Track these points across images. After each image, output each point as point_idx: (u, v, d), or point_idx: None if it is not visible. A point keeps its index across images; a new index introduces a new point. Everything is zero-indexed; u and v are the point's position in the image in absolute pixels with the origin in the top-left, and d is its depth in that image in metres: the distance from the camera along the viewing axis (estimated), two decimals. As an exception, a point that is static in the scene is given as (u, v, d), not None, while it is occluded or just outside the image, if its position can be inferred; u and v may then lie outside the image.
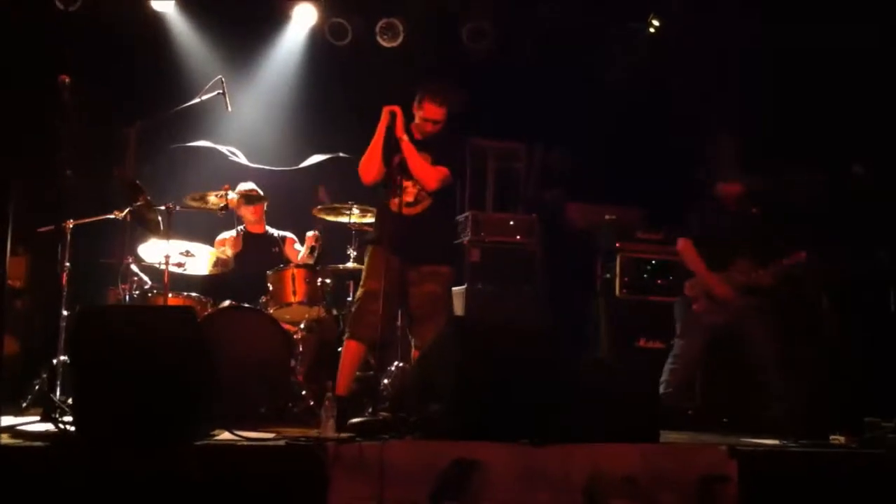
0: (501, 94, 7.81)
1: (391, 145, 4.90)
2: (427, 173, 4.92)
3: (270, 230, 6.60)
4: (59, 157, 4.77)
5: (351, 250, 6.22)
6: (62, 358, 5.05)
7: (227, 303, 5.69)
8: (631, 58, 8.01)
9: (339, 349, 5.31)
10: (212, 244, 6.23)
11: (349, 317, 5.24)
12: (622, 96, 7.87)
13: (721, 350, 5.78)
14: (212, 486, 3.62)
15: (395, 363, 6.09)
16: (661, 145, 7.56)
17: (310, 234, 6.28)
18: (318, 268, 5.98)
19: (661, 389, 5.58)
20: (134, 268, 5.67)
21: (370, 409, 4.73)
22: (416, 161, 4.90)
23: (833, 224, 6.43)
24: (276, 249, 6.49)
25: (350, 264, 6.19)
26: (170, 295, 5.56)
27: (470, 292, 7.06)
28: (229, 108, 5.87)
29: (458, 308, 7.09)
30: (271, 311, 5.77)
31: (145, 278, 5.74)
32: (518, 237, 7.35)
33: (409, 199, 4.93)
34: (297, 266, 5.94)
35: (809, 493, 4.17)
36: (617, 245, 7.09)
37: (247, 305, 5.69)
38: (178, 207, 5.60)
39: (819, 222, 6.37)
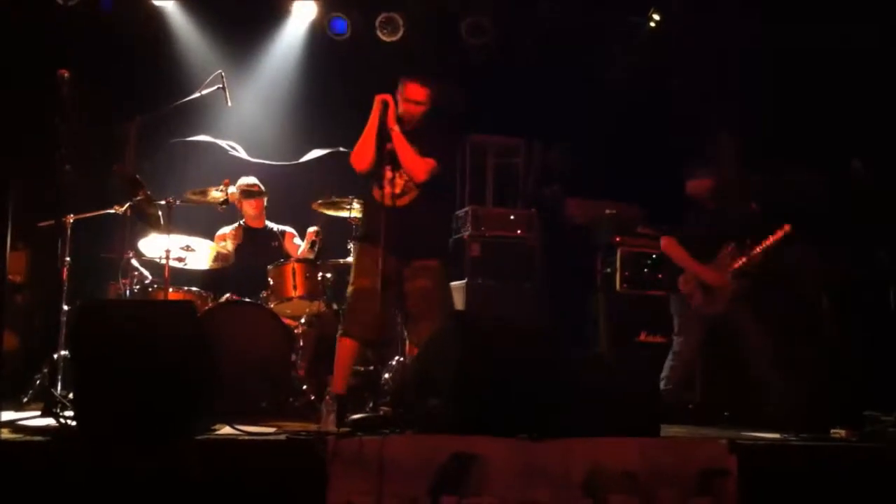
0: (501, 90, 7.81)
1: (382, 135, 4.89)
2: (416, 164, 4.89)
3: (270, 225, 6.61)
4: (58, 152, 4.77)
5: (351, 245, 6.22)
6: (63, 353, 5.06)
7: (227, 297, 5.70)
8: (631, 55, 8.00)
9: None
10: (212, 239, 6.23)
11: (343, 314, 5.20)
12: (622, 93, 7.85)
13: (720, 344, 5.78)
14: (212, 481, 3.62)
15: (396, 358, 6.10)
16: (661, 143, 7.54)
17: (311, 229, 6.28)
18: (318, 262, 5.99)
19: (662, 386, 5.58)
20: (134, 262, 5.67)
21: (371, 404, 4.72)
22: (406, 151, 4.86)
23: (833, 223, 6.43)
24: (276, 244, 6.49)
25: (350, 259, 6.19)
26: (170, 289, 5.57)
27: (470, 287, 7.06)
28: (229, 103, 5.88)
29: (459, 302, 7.10)
30: (272, 305, 5.78)
31: (146, 273, 5.75)
32: (518, 232, 7.35)
33: (397, 190, 4.86)
34: (298, 261, 5.95)
35: (810, 488, 4.17)
36: (617, 239, 7.09)
37: (247, 300, 5.70)
38: (178, 202, 5.61)
39: (819, 221, 6.36)
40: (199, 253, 5.85)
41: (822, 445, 4.59)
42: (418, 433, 4.06)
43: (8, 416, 4.28)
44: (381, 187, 4.82)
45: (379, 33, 7.72)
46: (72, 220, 5.34)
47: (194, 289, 5.84)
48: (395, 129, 4.84)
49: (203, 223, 6.30)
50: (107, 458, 3.57)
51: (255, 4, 7.68)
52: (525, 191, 8.03)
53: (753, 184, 6.05)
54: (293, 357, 5.66)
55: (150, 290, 5.70)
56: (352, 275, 5.08)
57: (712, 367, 6.16)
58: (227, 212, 6.17)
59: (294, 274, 5.82)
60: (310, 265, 5.88)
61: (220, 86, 5.79)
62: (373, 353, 5.36)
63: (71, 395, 4.49)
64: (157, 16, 7.49)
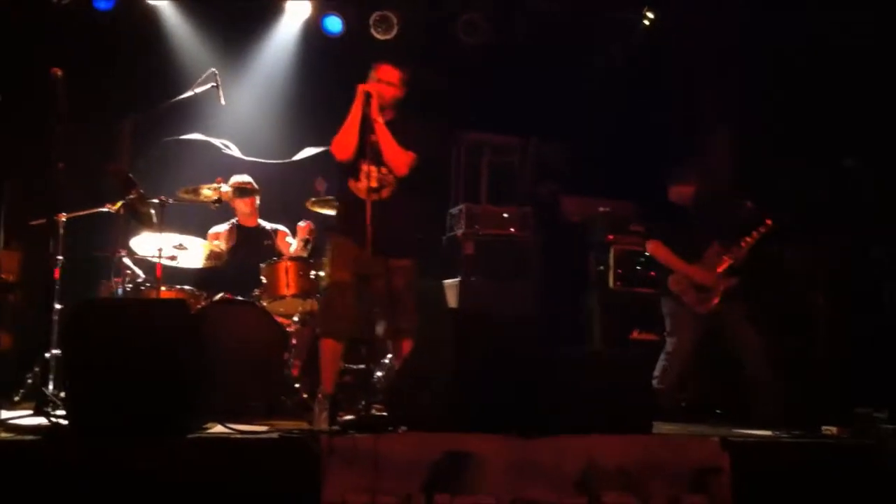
0: (496, 88, 7.81)
1: (366, 126, 4.85)
2: (399, 157, 4.85)
3: (263, 223, 6.60)
4: (52, 151, 4.76)
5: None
6: (55, 352, 5.05)
7: (220, 296, 5.69)
8: (627, 52, 8.01)
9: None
10: (205, 237, 6.22)
11: (318, 312, 5.14)
12: (618, 90, 7.87)
13: (713, 342, 5.79)
14: (205, 480, 3.62)
15: (389, 356, 6.09)
16: (657, 140, 7.55)
17: (302, 224, 6.25)
18: (311, 261, 5.98)
19: (654, 385, 5.58)
20: (127, 261, 5.66)
21: (363, 403, 4.72)
22: (390, 144, 4.83)
23: (826, 218, 6.44)
24: (269, 242, 6.48)
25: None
26: (162, 288, 5.56)
27: (464, 285, 7.07)
28: (223, 101, 5.87)
29: (452, 300, 7.11)
30: (264, 304, 5.77)
31: (138, 271, 5.74)
32: (512, 230, 7.36)
33: (373, 183, 4.79)
34: (291, 259, 5.93)
35: (801, 484, 4.19)
36: (610, 238, 7.10)
37: (240, 298, 5.69)
38: (171, 200, 5.60)
39: (812, 217, 6.38)
40: (191, 251, 5.84)
41: (813, 442, 4.61)
42: (412, 431, 4.07)
43: (-1, 415, 4.28)
44: (358, 179, 4.79)
45: (373, 31, 7.71)
46: (64, 219, 5.33)
47: (187, 287, 5.83)
48: (380, 121, 4.81)
49: (196, 222, 6.29)
50: (98, 457, 3.57)
51: (249, 3, 7.66)
52: (521, 188, 8.03)
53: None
54: (286, 355, 5.65)
55: (143, 288, 5.68)
56: (327, 268, 5.01)
57: (705, 366, 6.17)
58: (221, 210, 6.16)
59: (287, 272, 5.81)
60: (303, 263, 5.87)
61: (214, 84, 5.78)
62: (365, 351, 5.35)
63: (62, 395, 4.48)
64: (151, 14, 7.48)
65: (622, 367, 4.61)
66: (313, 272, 5.86)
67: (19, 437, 3.78)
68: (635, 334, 6.92)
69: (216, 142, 6.32)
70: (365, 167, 4.80)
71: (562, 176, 7.93)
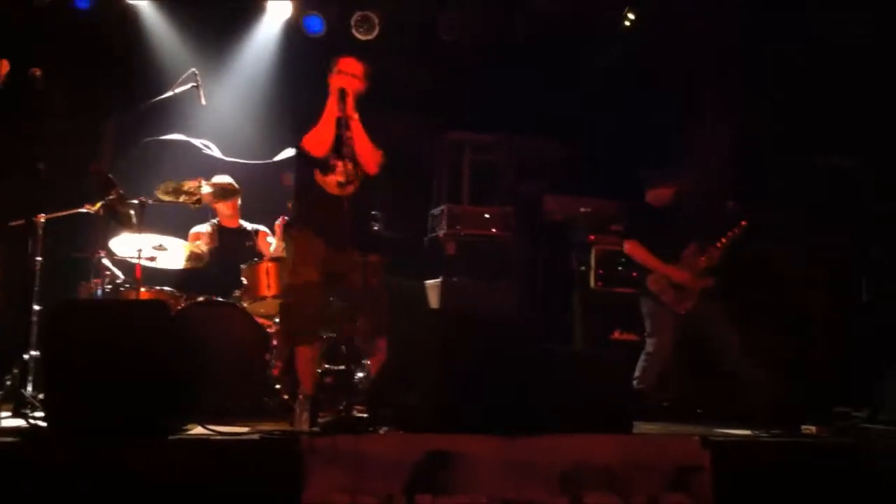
0: (478, 87, 7.81)
1: (341, 123, 4.80)
2: (371, 155, 4.84)
3: (244, 224, 6.57)
4: (31, 151, 4.73)
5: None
6: (33, 353, 5.01)
7: (201, 297, 5.66)
8: (612, 50, 8.02)
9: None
10: (186, 238, 6.19)
11: (283, 313, 5.03)
12: (601, 88, 7.87)
13: (693, 341, 5.82)
14: (185, 482, 3.60)
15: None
16: (641, 138, 7.56)
17: (279, 221, 6.19)
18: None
19: (635, 385, 5.60)
20: (106, 262, 5.62)
21: (344, 403, 4.71)
22: (364, 141, 4.81)
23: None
24: (250, 243, 6.46)
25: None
26: (142, 289, 5.52)
27: (446, 285, 7.07)
28: (203, 102, 5.84)
29: (435, 301, 7.11)
30: (245, 305, 5.75)
31: (118, 272, 5.70)
32: (494, 230, 7.37)
33: (341, 178, 4.76)
34: (272, 260, 5.91)
35: (781, 483, 4.21)
36: (592, 238, 7.11)
37: (220, 300, 5.67)
38: (150, 201, 5.56)
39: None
40: (172, 252, 5.81)
41: (793, 441, 4.64)
42: (394, 431, 4.06)
43: (-23, 417, 4.24)
44: (326, 174, 4.78)
45: (354, 32, 7.69)
46: (43, 220, 5.28)
47: (167, 288, 5.80)
48: (355, 118, 4.80)
49: (177, 222, 6.26)
50: (77, 458, 3.54)
51: (229, 2, 7.63)
52: (502, 188, 8.03)
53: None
54: (267, 357, 5.64)
55: (122, 289, 5.65)
56: (291, 265, 4.89)
57: (685, 365, 6.20)
58: (202, 210, 6.12)
59: (267, 273, 5.79)
60: (283, 264, 5.85)
61: (195, 84, 5.75)
62: (345, 351, 5.34)
63: (41, 396, 4.45)
64: (131, 14, 7.43)
65: (603, 367, 4.62)
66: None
67: (-3, 440, 3.76)
68: (616, 335, 6.94)
69: (197, 142, 6.29)
70: (339, 164, 4.78)
71: (544, 175, 7.93)
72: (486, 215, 7.38)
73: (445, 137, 7.91)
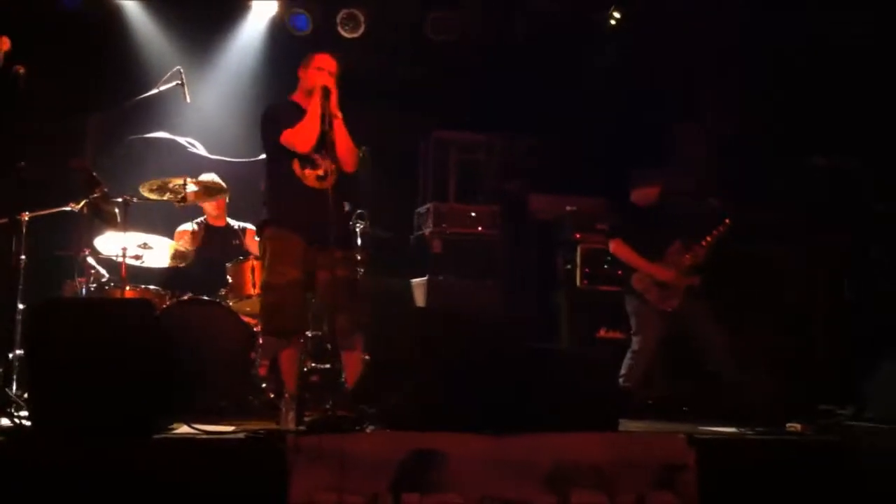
0: (464, 86, 7.81)
1: (325, 121, 4.76)
2: (351, 154, 4.84)
3: (231, 222, 6.55)
4: (15, 148, 4.70)
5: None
6: (18, 352, 4.98)
7: (186, 296, 5.64)
8: (598, 51, 8.03)
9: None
10: (172, 236, 6.17)
11: (263, 313, 4.95)
12: (586, 88, 7.88)
13: (678, 339, 5.84)
14: (170, 481, 3.59)
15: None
16: (626, 137, 7.58)
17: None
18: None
19: (621, 384, 5.61)
20: (91, 260, 5.60)
21: (330, 402, 4.70)
22: (346, 140, 4.81)
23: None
24: (237, 242, 6.45)
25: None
26: (127, 288, 5.50)
27: (431, 283, 7.07)
28: (188, 99, 5.81)
29: (420, 299, 7.11)
30: (231, 303, 5.73)
31: (102, 271, 5.67)
32: (480, 228, 7.37)
33: (320, 172, 4.77)
34: (257, 258, 5.89)
35: (766, 480, 4.23)
36: (577, 236, 7.13)
37: (206, 298, 5.65)
38: (135, 199, 5.53)
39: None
40: (157, 251, 5.78)
41: (778, 439, 4.66)
42: (379, 429, 4.06)
43: (-39, 416, 4.22)
44: (304, 168, 4.76)
45: (340, 30, 7.68)
46: (27, 218, 5.25)
47: (152, 287, 5.77)
48: (339, 117, 4.80)
49: (163, 220, 6.23)
50: (62, 458, 3.52)
51: (215, 0, 7.60)
52: (488, 186, 8.04)
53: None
54: (253, 355, 5.62)
55: (107, 288, 5.62)
56: (269, 262, 4.79)
57: (671, 361, 6.22)
58: (188, 209, 6.10)
59: (253, 272, 5.77)
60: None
61: (179, 82, 5.73)
62: (331, 350, 5.33)
63: (26, 395, 4.42)
64: (116, 12, 7.40)
65: (590, 365, 4.63)
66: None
67: (-19, 439, 3.74)
68: (602, 333, 6.96)
69: (182, 140, 6.28)
70: (318, 159, 4.78)
71: (530, 173, 7.94)
72: (473, 214, 7.38)
73: (432, 136, 7.91)
